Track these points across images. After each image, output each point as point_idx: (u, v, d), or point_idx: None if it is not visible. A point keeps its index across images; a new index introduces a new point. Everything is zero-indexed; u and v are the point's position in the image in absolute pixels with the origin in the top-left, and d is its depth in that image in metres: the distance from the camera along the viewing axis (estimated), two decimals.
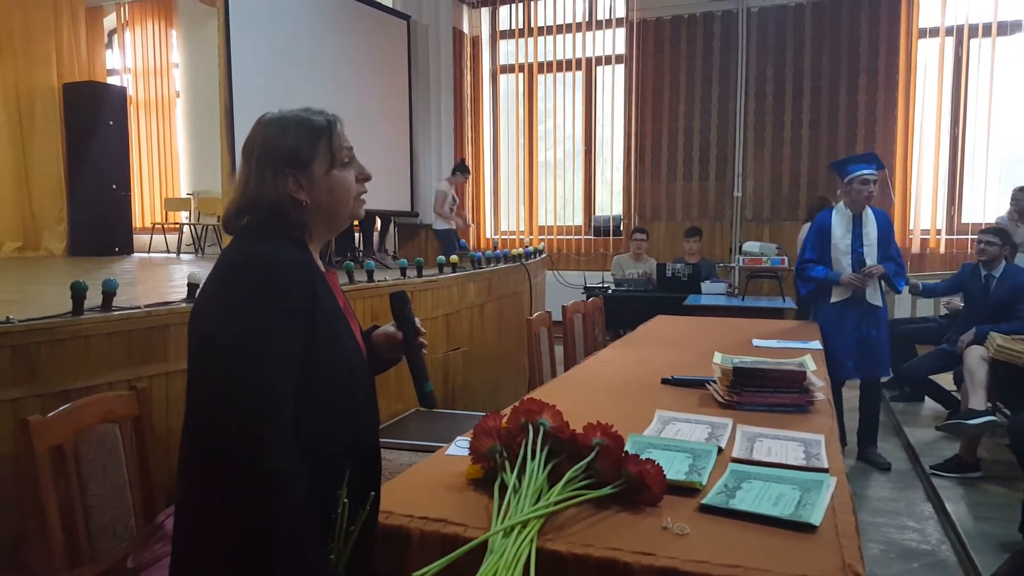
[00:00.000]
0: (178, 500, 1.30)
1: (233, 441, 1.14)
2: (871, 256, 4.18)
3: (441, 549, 1.32)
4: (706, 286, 5.88)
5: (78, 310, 2.28)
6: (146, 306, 2.43)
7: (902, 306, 6.65)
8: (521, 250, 5.44)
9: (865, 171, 4.10)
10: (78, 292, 2.28)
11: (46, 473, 1.69)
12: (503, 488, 1.39)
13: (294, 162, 1.30)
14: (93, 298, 2.35)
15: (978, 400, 3.76)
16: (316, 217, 1.34)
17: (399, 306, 1.52)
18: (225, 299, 1.23)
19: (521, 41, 9.00)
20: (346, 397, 1.31)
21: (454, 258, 4.32)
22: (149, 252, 8.46)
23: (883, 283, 4.25)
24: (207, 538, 1.21)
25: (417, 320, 1.54)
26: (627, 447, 1.69)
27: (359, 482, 1.27)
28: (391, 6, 7.69)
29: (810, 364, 2.32)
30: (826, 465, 1.63)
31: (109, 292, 2.36)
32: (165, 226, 8.77)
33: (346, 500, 1.21)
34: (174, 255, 8.16)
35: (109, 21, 9.61)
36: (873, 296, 4.21)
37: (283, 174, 1.29)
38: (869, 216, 4.22)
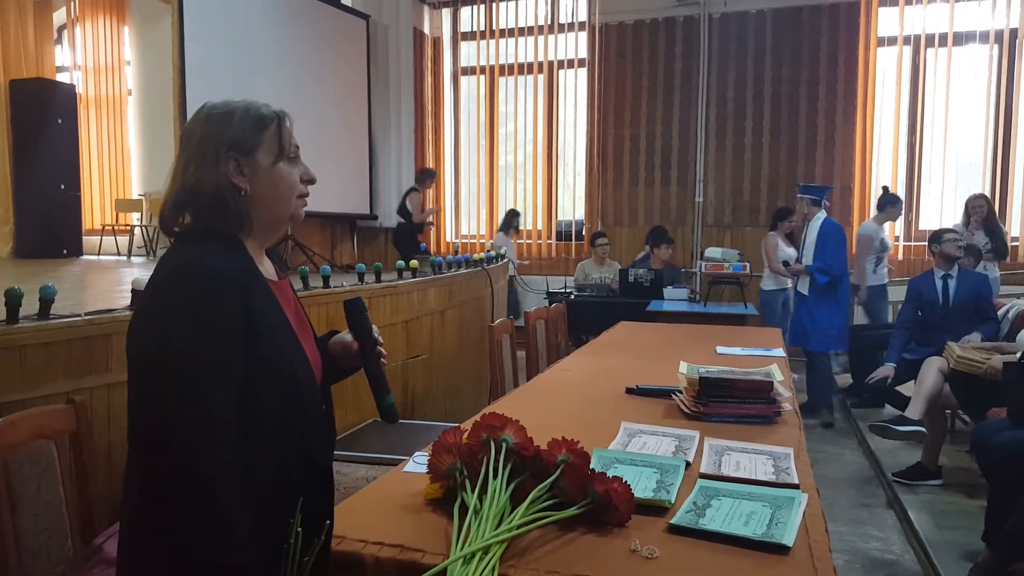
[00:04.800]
0: (122, 521, 1.22)
1: (170, 470, 1.07)
2: (806, 258, 5.36)
3: None
4: (668, 292, 5.87)
5: (12, 318, 2.14)
6: (86, 314, 2.30)
7: (862, 313, 6.71)
8: (482, 254, 5.36)
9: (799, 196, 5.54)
10: (13, 299, 2.14)
11: None
12: (463, 510, 1.31)
13: (238, 147, 1.23)
14: (34, 305, 2.22)
15: (915, 410, 3.78)
16: (255, 211, 1.25)
17: (354, 314, 1.42)
18: (156, 316, 1.15)
19: (483, 43, 8.93)
20: (293, 417, 1.22)
21: (414, 263, 4.22)
22: (99, 254, 8.20)
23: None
24: (151, 563, 1.13)
25: (375, 328, 1.45)
26: (593, 463, 1.63)
27: (310, 508, 1.19)
28: (350, 5, 7.56)
29: (777, 374, 2.29)
30: (796, 480, 1.59)
31: (47, 299, 2.23)
32: (116, 228, 8.51)
33: (299, 529, 1.13)
34: (125, 258, 7.92)
35: (59, 16, 9.30)
36: (802, 286, 5.43)
37: (225, 157, 1.22)
38: (810, 227, 5.37)
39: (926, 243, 6.03)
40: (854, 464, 4.40)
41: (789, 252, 6.19)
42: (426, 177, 7.78)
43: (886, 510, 3.68)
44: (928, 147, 7.51)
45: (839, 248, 5.20)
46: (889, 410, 5.15)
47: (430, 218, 7.89)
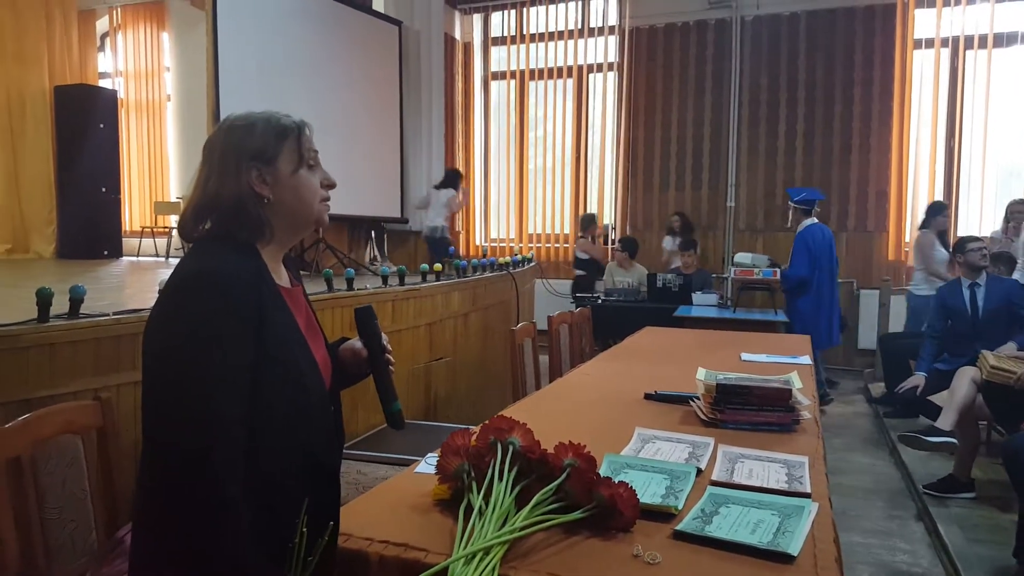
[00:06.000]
0: (133, 517, 1.26)
1: (179, 468, 1.11)
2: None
3: None
4: (697, 297, 5.82)
5: (43, 317, 2.21)
6: (114, 313, 2.37)
7: (896, 321, 6.60)
8: (508, 258, 5.37)
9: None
10: (44, 299, 2.21)
11: (1, 485, 1.63)
12: (468, 511, 1.32)
13: (259, 156, 1.27)
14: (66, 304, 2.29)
15: (947, 420, 3.70)
16: (278, 217, 1.29)
17: (364, 321, 1.46)
18: (170, 319, 1.19)
19: (513, 48, 8.97)
20: (301, 421, 1.25)
21: (438, 266, 4.25)
22: (138, 256, 8.39)
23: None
24: (160, 558, 1.17)
25: (384, 336, 1.48)
26: (603, 467, 1.63)
27: (316, 509, 1.21)
28: (382, 11, 7.63)
29: (796, 381, 2.26)
30: (809, 489, 1.57)
31: (76, 299, 2.30)
32: (154, 229, 8.70)
33: (305, 530, 1.16)
34: (163, 259, 8.09)
35: (101, 24, 9.55)
36: None
37: (247, 167, 1.25)
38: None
39: None
40: (884, 475, 4.32)
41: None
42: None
43: (916, 522, 3.60)
44: (967, 152, 7.35)
45: (800, 255, 5.60)
46: (923, 420, 5.05)
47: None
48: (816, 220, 5.76)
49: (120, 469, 1.96)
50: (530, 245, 8.89)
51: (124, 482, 1.96)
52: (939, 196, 7.38)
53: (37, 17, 7.70)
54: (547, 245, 8.89)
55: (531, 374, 3.35)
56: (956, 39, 7.29)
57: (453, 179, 7.80)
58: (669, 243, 7.61)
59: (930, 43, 7.39)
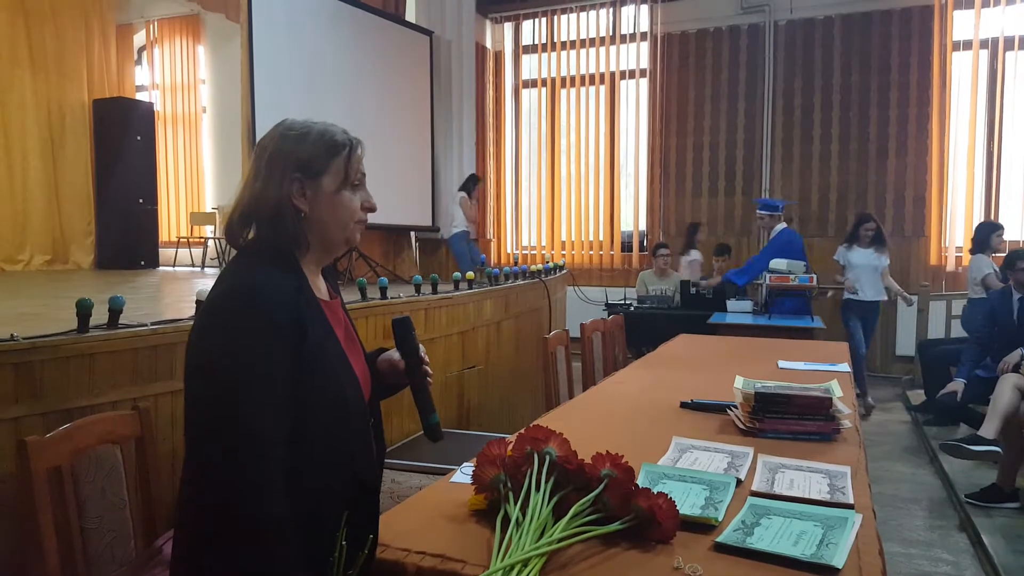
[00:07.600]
0: (176, 528, 1.26)
1: (222, 483, 1.11)
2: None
3: None
4: (731, 304, 5.75)
5: (83, 328, 2.24)
6: (152, 324, 2.39)
7: (935, 327, 6.46)
8: (540, 266, 5.36)
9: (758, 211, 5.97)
10: (83, 309, 2.24)
11: (43, 495, 1.65)
12: (505, 521, 1.31)
13: (305, 169, 1.26)
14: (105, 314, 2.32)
15: (990, 428, 3.61)
16: (313, 233, 1.28)
17: (402, 333, 1.45)
18: (209, 335, 1.19)
19: (544, 56, 8.99)
20: (341, 434, 1.25)
21: (470, 274, 4.25)
22: (174, 266, 8.51)
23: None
24: (202, 570, 1.17)
25: (422, 348, 1.47)
26: (640, 478, 1.61)
27: (355, 524, 1.21)
28: (414, 22, 7.69)
29: (836, 389, 2.22)
30: (851, 500, 1.53)
31: (115, 309, 2.33)
32: (190, 240, 8.83)
33: (344, 543, 1.15)
34: (198, 268, 8.20)
35: (139, 38, 9.74)
36: None
37: (291, 177, 1.25)
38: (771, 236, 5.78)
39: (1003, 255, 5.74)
40: (926, 484, 4.22)
41: None
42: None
43: (958, 533, 3.51)
44: (1007, 155, 7.19)
45: (781, 254, 5.56)
46: (964, 428, 4.93)
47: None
48: (787, 225, 5.93)
49: (158, 479, 1.97)
50: (562, 252, 8.87)
51: (162, 491, 1.98)
52: (979, 200, 7.23)
53: (76, 32, 7.88)
54: (579, 252, 8.87)
55: (564, 382, 3.33)
56: (995, 40, 7.14)
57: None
58: (845, 254, 6.29)
59: (968, 45, 7.26)
